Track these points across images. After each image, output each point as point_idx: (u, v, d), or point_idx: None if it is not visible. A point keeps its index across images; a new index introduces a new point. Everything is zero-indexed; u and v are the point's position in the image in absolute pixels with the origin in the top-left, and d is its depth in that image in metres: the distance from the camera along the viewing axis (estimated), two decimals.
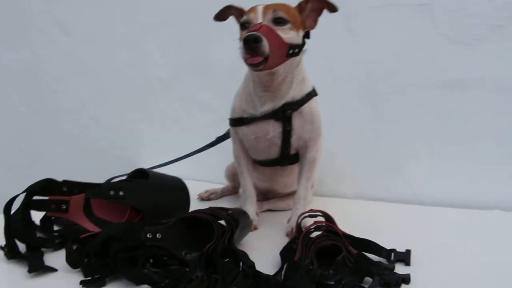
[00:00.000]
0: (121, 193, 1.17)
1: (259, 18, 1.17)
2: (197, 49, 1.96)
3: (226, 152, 1.64)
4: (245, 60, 1.13)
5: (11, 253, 1.08)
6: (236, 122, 1.34)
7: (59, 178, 2.24)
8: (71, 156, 2.25)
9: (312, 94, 1.32)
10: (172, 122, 2.06)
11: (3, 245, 1.11)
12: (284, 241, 1.25)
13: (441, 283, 0.99)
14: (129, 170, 2.06)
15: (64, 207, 1.24)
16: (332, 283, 0.96)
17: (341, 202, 1.67)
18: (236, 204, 1.63)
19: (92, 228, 1.22)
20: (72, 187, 1.26)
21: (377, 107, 1.70)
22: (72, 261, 1.03)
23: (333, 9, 1.24)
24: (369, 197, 1.70)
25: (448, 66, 1.60)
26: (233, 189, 1.79)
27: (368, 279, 0.97)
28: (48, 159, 2.32)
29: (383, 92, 1.69)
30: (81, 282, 0.95)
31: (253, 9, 1.20)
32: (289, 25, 1.18)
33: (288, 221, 1.36)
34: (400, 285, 0.96)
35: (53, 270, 1.03)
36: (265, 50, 1.09)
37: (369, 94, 1.71)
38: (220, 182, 1.83)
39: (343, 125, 1.71)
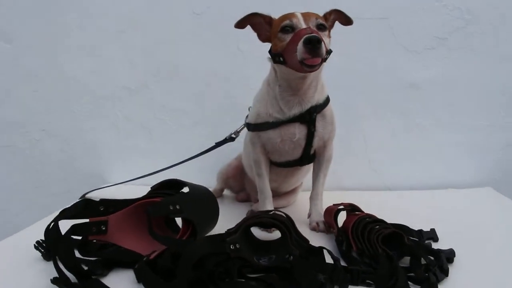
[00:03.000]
0: (177, 206, 1.05)
1: (302, 23, 1.14)
2: (163, 56, 1.83)
3: (209, 158, 1.60)
4: (304, 60, 1.08)
5: (67, 286, 0.91)
6: (261, 126, 1.29)
7: (11, 196, 1.93)
8: (22, 173, 1.93)
9: (329, 98, 1.33)
10: (140, 130, 1.88)
11: (52, 278, 0.93)
12: (311, 234, 1.28)
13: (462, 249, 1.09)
14: (95, 182, 1.86)
15: (104, 228, 1.08)
16: (408, 265, 1.01)
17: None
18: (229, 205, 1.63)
19: (132, 247, 1.08)
20: (108, 206, 1.10)
21: (348, 107, 1.78)
22: (152, 285, 0.91)
23: (349, 22, 1.28)
24: (345, 188, 1.79)
25: (405, 70, 1.75)
26: (220, 192, 1.73)
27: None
28: None
29: (352, 94, 1.78)
30: None
31: (292, 15, 1.16)
32: (326, 32, 1.19)
33: (309, 216, 1.38)
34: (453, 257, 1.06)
35: None
36: (323, 52, 1.07)
37: (341, 96, 1.76)
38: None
39: None
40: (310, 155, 1.36)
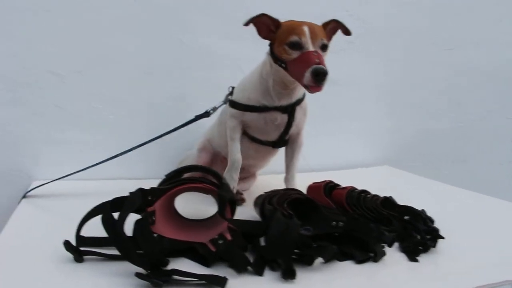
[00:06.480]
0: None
1: (309, 43, 1.22)
2: (99, 42, 1.68)
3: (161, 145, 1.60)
4: (309, 86, 1.19)
5: (156, 277, 0.87)
6: (249, 108, 1.39)
7: None
8: None
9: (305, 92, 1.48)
10: (73, 120, 1.68)
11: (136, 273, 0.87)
12: None
13: None
14: (20, 181, 1.63)
15: (154, 218, 1.02)
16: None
17: (258, 179, 1.81)
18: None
19: (177, 236, 1.05)
20: (154, 195, 1.04)
21: None
22: (243, 262, 0.96)
23: (348, 33, 1.41)
24: (276, 172, 1.95)
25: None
26: None
27: None
28: None
29: None
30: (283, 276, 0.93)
31: (301, 31, 1.22)
32: (327, 51, 1.30)
33: None
34: None
35: (226, 280, 0.90)
36: (326, 81, 1.18)
37: None
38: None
39: None
40: (285, 140, 1.50)
